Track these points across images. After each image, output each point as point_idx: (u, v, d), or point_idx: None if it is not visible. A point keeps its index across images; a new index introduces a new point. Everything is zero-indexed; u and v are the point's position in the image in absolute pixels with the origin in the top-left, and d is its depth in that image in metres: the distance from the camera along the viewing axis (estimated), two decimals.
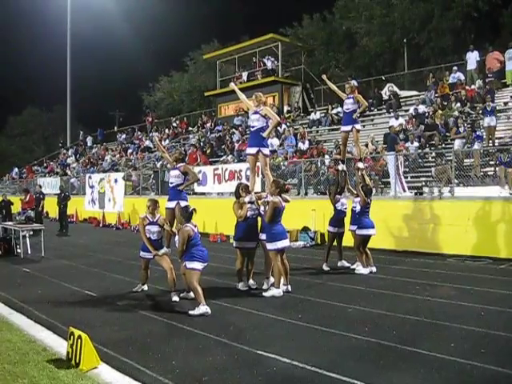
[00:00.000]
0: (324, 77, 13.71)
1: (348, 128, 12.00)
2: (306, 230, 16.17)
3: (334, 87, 13.08)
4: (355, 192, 11.74)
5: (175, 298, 8.83)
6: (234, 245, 9.74)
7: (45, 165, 42.29)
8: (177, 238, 8.31)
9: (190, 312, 7.80)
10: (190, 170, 9.86)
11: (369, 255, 11.32)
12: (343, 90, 12.36)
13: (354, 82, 12.54)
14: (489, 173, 14.73)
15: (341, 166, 12.05)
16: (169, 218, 9.54)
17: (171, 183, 9.71)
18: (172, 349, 6.30)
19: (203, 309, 7.79)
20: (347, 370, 5.42)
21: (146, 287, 9.75)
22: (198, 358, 5.91)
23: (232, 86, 11.68)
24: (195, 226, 8.22)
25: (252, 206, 9.60)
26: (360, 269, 11.19)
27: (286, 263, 9.39)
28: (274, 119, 10.01)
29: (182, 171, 9.57)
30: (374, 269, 11.19)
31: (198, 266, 7.99)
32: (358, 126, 12.06)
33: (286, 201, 9.42)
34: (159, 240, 9.26)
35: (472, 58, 21.28)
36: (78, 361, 5.63)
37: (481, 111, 17.71)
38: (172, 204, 9.52)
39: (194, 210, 8.29)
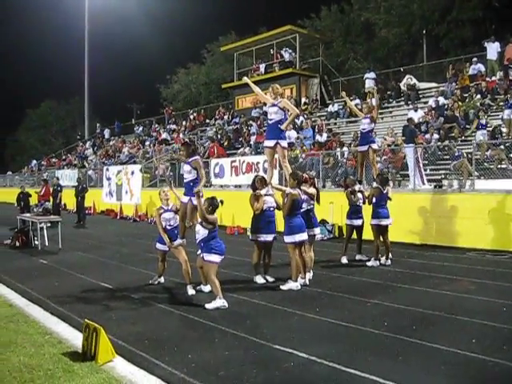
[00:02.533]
0: (343, 94, 14.30)
1: (365, 148, 12.29)
2: (323, 222, 16.03)
3: (352, 106, 14.17)
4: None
5: (191, 291, 8.78)
6: (251, 237, 9.69)
7: (63, 157, 42.56)
8: (197, 228, 8.17)
9: (207, 305, 7.74)
10: (199, 166, 9.07)
11: (386, 247, 11.22)
12: (362, 83, 12.54)
13: (370, 83, 12.85)
14: (503, 166, 14.44)
15: (358, 187, 11.96)
16: (181, 212, 9.27)
17: (185, 178, 9.31)
18: (188, 342, 6.25)
19: (220, 302, 7.73)
20: (366, 365, 5.32)
21: (162, 279, 9.72)
22: (214, 352, 5.85)
23: (245, 79, 11.19)
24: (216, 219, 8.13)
25: (269, 199, 9.52)
26: (371, 261, 11.22)
27: (305, 256, 9.32)
28: (293, 111, 9.94)
29: (193, 166, 9.04)
30: (382, 261, 11.19)
31: (216, 258, 7.91)
32: (374, 146, 12.45)
33: (306, 193, 9.37)
34: (176, 228, 9.20)
35: (493, 48, 20.90)
36: (93, 354, 5.59)
37: (502, 103, 17.45)
38: (185, 199, 9.15)
39: (221, 201, 8.15)
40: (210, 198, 8.15)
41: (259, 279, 9.62)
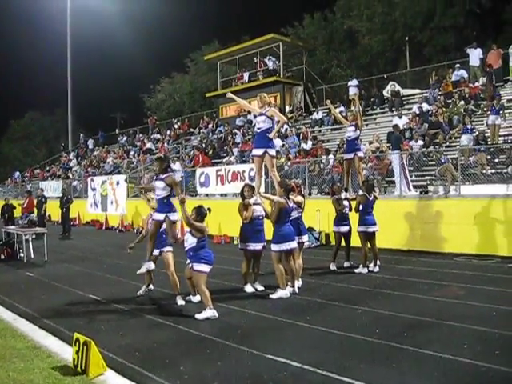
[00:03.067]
0: (328, 102, 14.36)
1: (350, 156, 12.28)
2: (310, 230, 16.02)
3: (337, 114, 14.01)
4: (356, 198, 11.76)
5: (181, 302, 8.72)
6: (240, 246, 9.66)
7: (47, 168, 42.24)
8: (186, 236, 8.11)
9: (197, 316, 7.69)
10: (174, 184, 8.51)
11: (374, 253, 11.28)
12: (346, 91, 12.58)
13: (353, 90, 12.88)
14: (490, 171, 14.55)
15: (344, 194, 11.99)
16: (153, 230, 8.73)
17: (157, 195, 8.56)
18: (179, 354, 6.20)
19: (210, 312, 7.67)
20: (359, 373, 5.32)
21: (151, 286, 9.67)
22: (206, 363, 5.80)
23: (229, 95, 11.04)
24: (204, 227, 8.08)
25: (258, 208, 9.50)
26: (359, 268, 11.26)
27: (292, 265, 9.26)
28: (281, 120, 10.06)
29: (168, 183, 8.42)
30: (370, 268, 11.24)
31: (206, 268, 7.86)
32: (360, 154, 12.39)
33: (294, 201, 9.35)
34: (164, 233, 9.08)
35: (475, 54, 21.12)
36: (83, 367, 5.52)
37: (485, 108, 17.63)
38: (160, 216, 8.53)
39: (209, 210, 8.13)
40: (198, 206, 8.12)
41: (249, 288, 9.58)
